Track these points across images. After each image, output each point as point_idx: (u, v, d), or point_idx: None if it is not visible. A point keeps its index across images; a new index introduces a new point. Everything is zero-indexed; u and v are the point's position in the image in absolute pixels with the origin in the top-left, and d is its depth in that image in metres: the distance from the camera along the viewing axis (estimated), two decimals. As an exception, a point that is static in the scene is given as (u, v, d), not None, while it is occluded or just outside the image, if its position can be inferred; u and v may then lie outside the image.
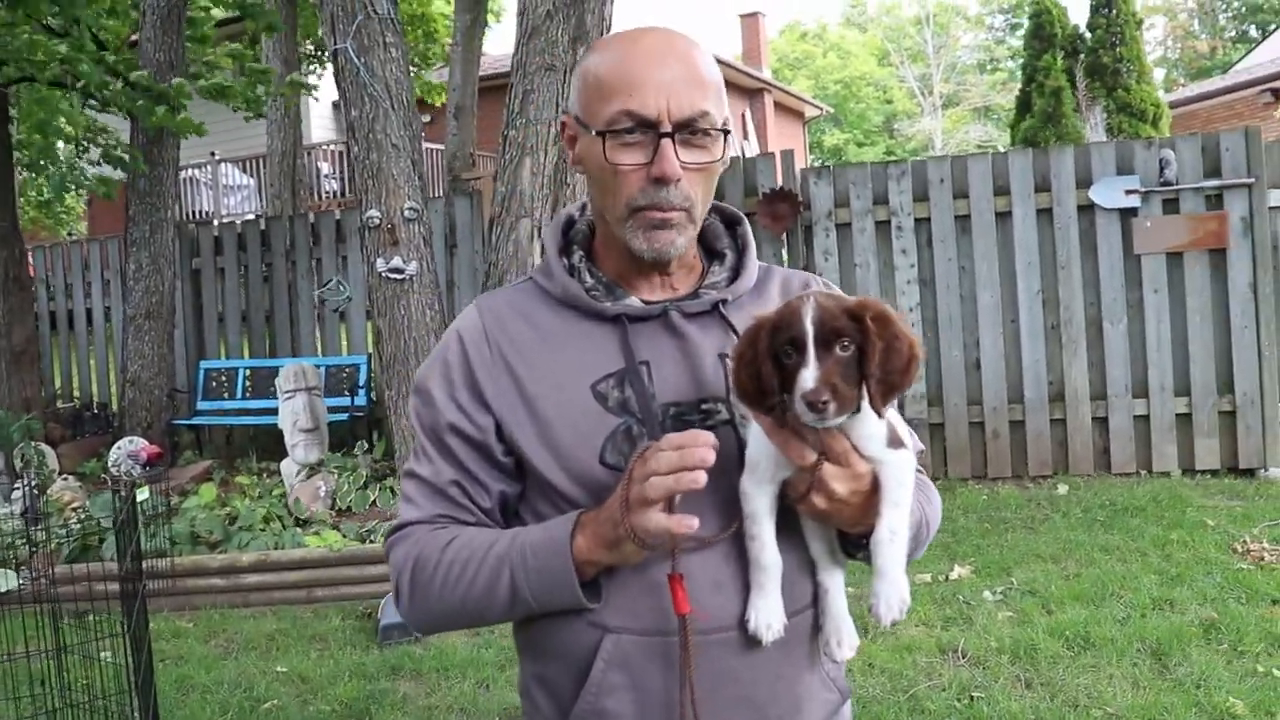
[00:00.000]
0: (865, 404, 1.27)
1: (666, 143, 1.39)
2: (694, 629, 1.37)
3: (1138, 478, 7.35)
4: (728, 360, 1.46)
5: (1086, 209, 7.50)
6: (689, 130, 1.41)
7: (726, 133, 1.45)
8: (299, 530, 6.37)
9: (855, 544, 1.44)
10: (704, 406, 1.45)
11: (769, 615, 1.39)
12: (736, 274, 1.57)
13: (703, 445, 1.25)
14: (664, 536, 1.29)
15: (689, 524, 1.27)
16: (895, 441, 1.34)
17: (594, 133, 1.44)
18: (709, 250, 1.61)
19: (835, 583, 1.49)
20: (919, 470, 1.46)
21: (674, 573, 1.36)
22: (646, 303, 1.50)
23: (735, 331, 1.47)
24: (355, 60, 6.84)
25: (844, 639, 1.49)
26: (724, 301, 1.51)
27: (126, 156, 9.18)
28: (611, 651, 1.41)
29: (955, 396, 7.65)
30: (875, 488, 1.33)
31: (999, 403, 7.61)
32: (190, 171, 18.53)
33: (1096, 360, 7.53)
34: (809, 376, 1.23)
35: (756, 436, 1.36)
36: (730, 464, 1.41)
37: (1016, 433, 7.62)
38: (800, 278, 1.64)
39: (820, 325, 1.24)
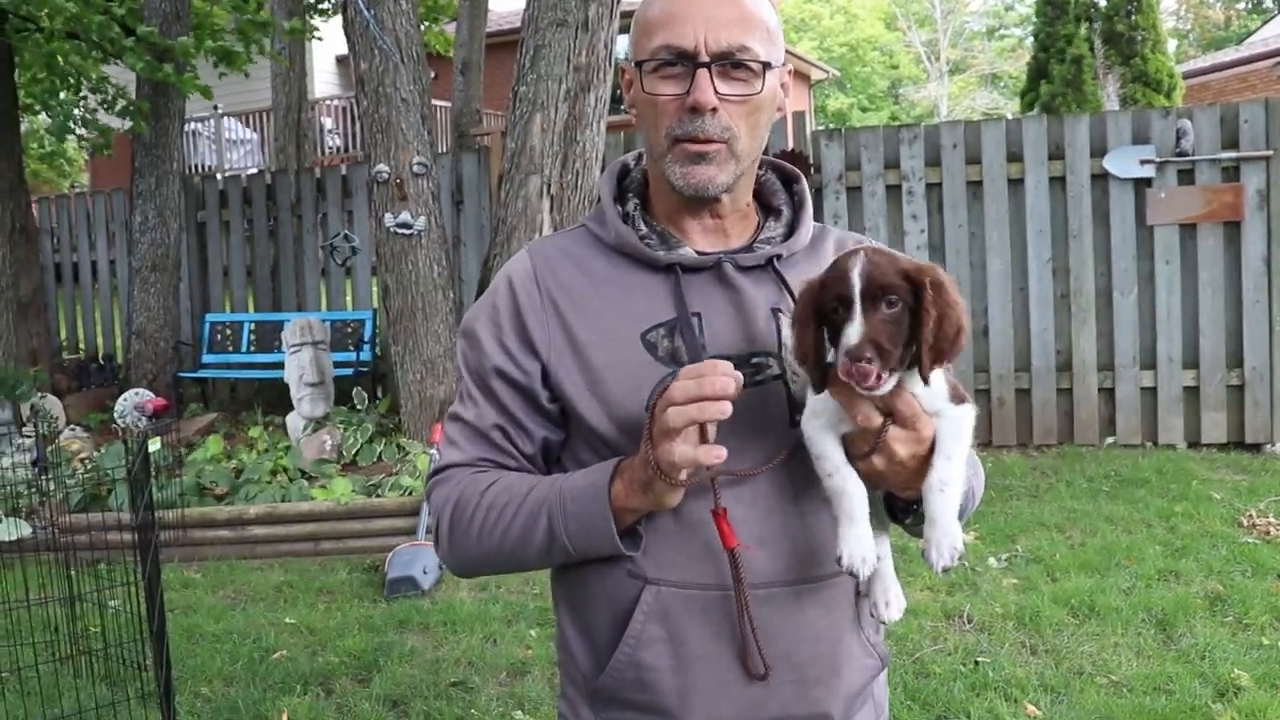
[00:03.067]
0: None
1: (702, 72, 1.39)
2: (742, 574, 1.36)
3: (1143, 449, 7.36)
4: (780, 315, 1.46)
5: (1100, 178, 7.46)
6: (728, 62, 1.41)
7: (768, 67, 1.43)
8: (306, 483, 6.39)
9: (903, 511, 1.43)
10: (754, 360, 1.43)
11: (863, 548, 1.33)
12: (792, 230, 1.56)
13: (722, 372, 1.23)
14: (691, 467, 1.27)
15: (717, 453, 1.25)
16: (958, 397, 1.33)
17: (632, 60, 1.46)
18: (765, 206, 1.60)
19: (882, 545, 1.47)
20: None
21: (717, 507, 1.35)
22: (700, 254, 1.49)
23: (788, 287, 1.47)
24: (365, 12, 6.78)
25: (892, 600, 1.48)
26: (778, 257, 1.50)
27: (132, 109, 9.11)
28: (651, 603, 1.41)
29: (962, 363, 7.63)
30: (932, 449, 1.31)
31: (1006, 370, 7.61)
32: (193, 125, 18.40)
33: (1105, 330, 7.52)
34: (853, 333, 1.22)
35: (810, 412, 1.35)
36: (777, 418, 1.41)
37: (1022, 401, 7.62)
38: (854, 239, 1.63)
39: (868, 281, 1.23)
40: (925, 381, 1.25)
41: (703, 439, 1.28)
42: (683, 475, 1.29)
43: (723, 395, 1.23)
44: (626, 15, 4.39)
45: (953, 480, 1.30)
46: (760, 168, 1.60)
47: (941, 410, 1.31)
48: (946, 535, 1.30)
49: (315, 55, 19.82)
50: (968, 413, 1.33)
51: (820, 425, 1.34)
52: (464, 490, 1.48)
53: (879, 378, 1.22)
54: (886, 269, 1.24)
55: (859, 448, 1.32)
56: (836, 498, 1.35)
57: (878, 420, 1.29)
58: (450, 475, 1.52)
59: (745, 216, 1.56)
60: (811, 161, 7.80)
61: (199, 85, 8.76)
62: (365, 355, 8.61)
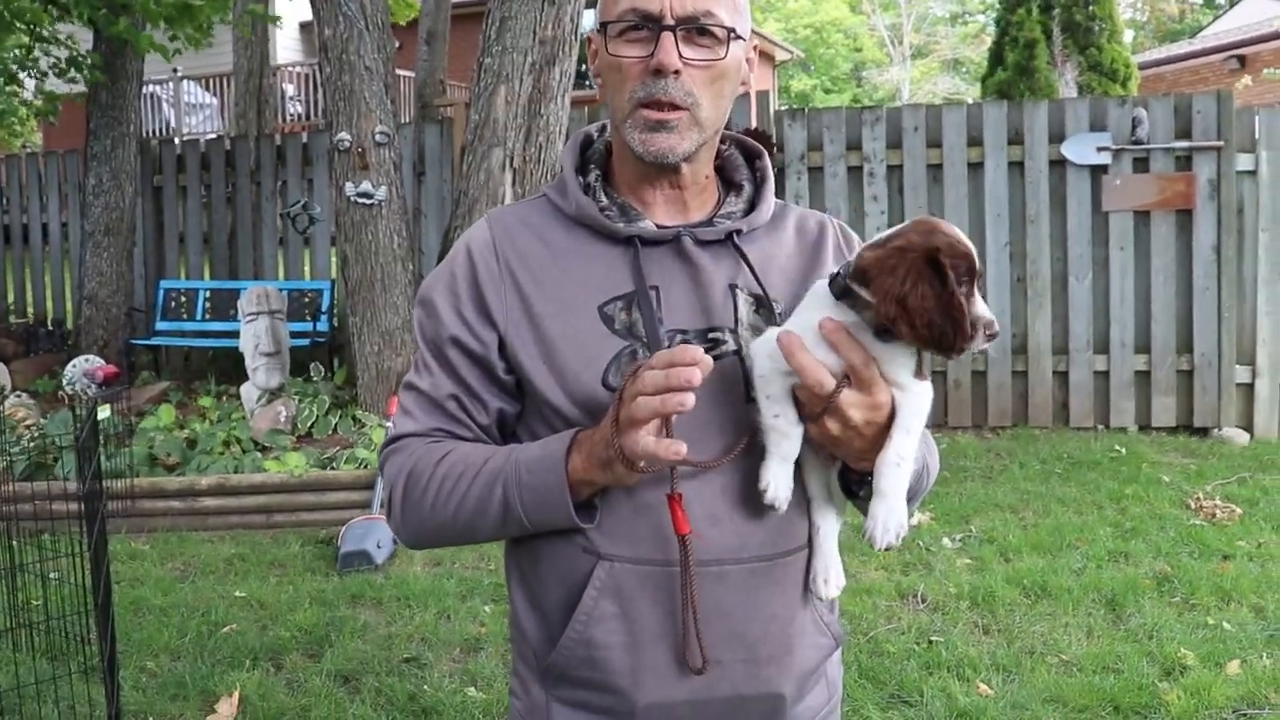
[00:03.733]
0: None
1: (666, 35, 1.38)
2: (691, 560, 1.35)
3: (1095, 432, 7.42)
4: (738, 290, 1.45)
5: (1058, 164, 7.49)
6: (693, 27, 1.39)
7: (733, 34, 1.41)
8: (259, 455, 6.29)
9: (857, 483, 1.41)
10: (711, 335, 1.42)
11: (786, 487, 1.35)
12: (753, 206, 1.54)
13: (690, 364, 1.21)
14: (652, 459, 1.26)
15: (676, 449, 1.24)
16: (921, 372, 1.32)
17: (598, 27, 1.44)
18: (727, 182, 1.58)
19: (828, 521, 1.47)
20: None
21: (672, 492, 1.34)
22: (660, 227, 1.47)
23: (748, 262, 1.45)
24: (329, -23, 6.64)
25: (831, 577, 1.47)
26: (738, 232, 1.48)
27: (86, 63, 8.88)
28: (604, 579, 1.39)
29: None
30: (890, 420, 1.30)
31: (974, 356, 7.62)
32: (151, 88, 18.07)
33: (1060, 315, 7.56)
34: (986, 309, 1.24)
35: (765, 354, 1.34)
36: (735, 394, 1.40)
37: (978, 383, 7.65)
38: (816, 218, 1.61)
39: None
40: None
41: (666, 424, 1.27)
42: (643, 464, 1.27)
43: (687, 387, 1.21)
44: (592, -15, 4.32)
45: (908, 456, 1.30)
46: (723, 142, 1.58)
47: (904, 383, 1.30)
48: (893, 513, 1.30)
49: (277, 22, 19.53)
50: (927, 390, 1.32)
51: (775, 369, 1.33)
52: (418, 460, 1.45)
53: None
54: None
55: (811, 406, 1.31)
56: (774, 437, 1.35)
57: (832, 384, 1.28)
58: (404, 445, 1.49)
59: (705, 189, 1.53)
60: (774, 141, 7.76)
61: (157, 44, 8.56)
62: (322, 325, 8.50)
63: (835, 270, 1.34)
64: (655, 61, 1.38)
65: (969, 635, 4.28)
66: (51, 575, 4.27)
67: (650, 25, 1.39)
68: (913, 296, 1.21)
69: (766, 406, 1.34)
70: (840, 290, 1.30)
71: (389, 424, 5.44)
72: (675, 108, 1.40)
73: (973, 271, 1.23)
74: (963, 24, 45.63)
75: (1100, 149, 7.38)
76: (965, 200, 7.60)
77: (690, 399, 1.22)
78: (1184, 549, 5.16)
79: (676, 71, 1.38)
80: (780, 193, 7.76)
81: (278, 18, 12.12)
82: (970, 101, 9.24)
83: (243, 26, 12.83)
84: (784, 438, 1.34)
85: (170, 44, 9.10)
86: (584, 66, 1.65)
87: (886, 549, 1.31)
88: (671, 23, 1.38)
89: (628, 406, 1.26)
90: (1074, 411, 7.54)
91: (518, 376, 1.45)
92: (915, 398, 1.30)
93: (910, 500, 1.40)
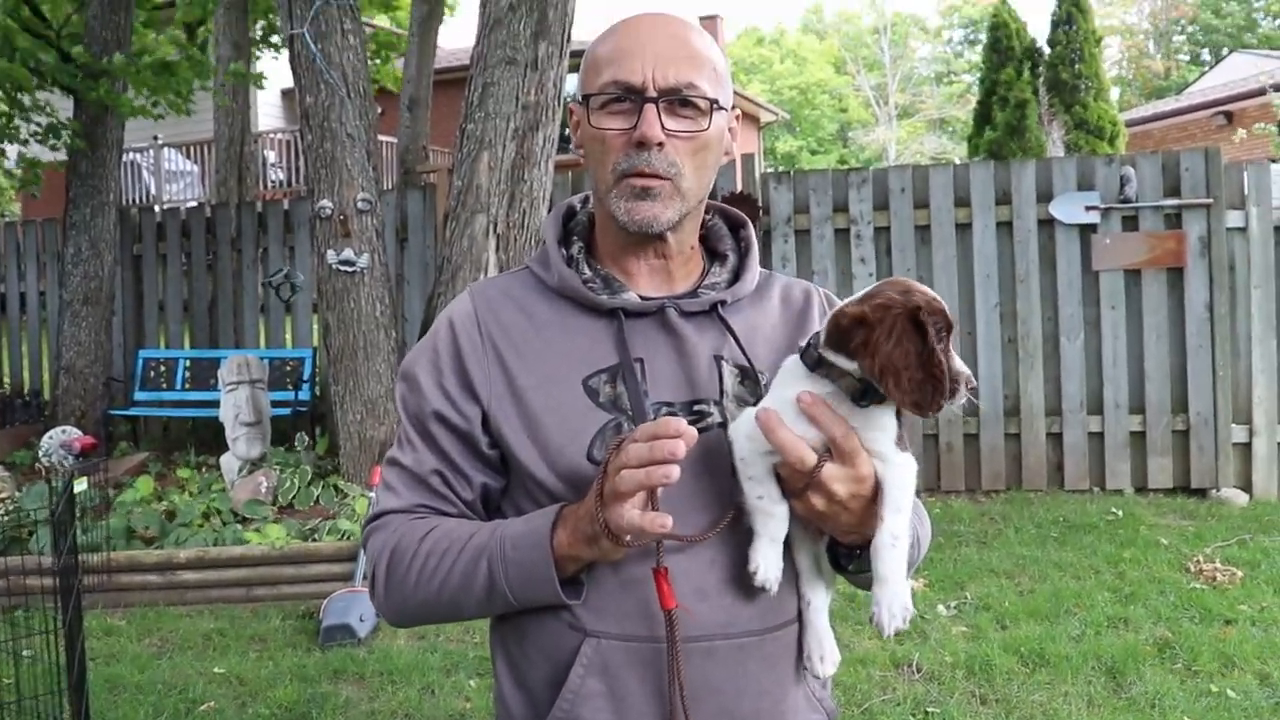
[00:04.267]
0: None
1: (649, 106, 1.40)
2: (677, 635, 1.35)
3: (1091, 495, 7.42)
4: (723, 362, 1.47)
5: (1046, 223, 7.57)
6: (676, 99, 1.42)
7: (715, 105, 1.44)
8: (239, 527, 6.25)
9: (845, 556, 1.42)
10: (696, 407, 1.44)
11: (777, 568, 1.36)
12: (737, 276, 1.57)
13: (673, 436, 1.22)
14: (638, 533, 1.27)
15: (662, 522, 1.25)
16: (902, 442, 1.33)
17: (580, 98, 1.47)
18: (711, 252, 1.60)
19: (819, 597, 1.48)
20: None
21: (658, 566, 1.34)
22: (644, 299, 1.49)
23: (733, 333, 1.48)
24: (312, 46, 6.74)
25: (826, 654, 1.47)
26: (722, 303, 1.51)
27: (66, 131, 8.95)
28: (591, 656, 1.39)
29: (911, 408, 7.66)
30: (876, 493, 1.31)
31: (953, 415, 7.63)
32: (131, 155, 18.19)
33: (1052, 376, 7.60)
34: (963, 364, 1.27)
35: (745, 435, 1.35)
36: (721, 466, 1.40)
37: (970, 446, 7.67)
38: (801, 287, 1.65)
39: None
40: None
41: (651, 498, 1.28)
42: (628, 538, 1.28)
43: (671, 459, 1.22)
44: (576, 55, 4.40)
45: (902, 535, 1.30)
46: (707, 212, 1.60)
47: (886, 455, 1.31)
48: (897, 597, 1.30)
49: (259, 88, 19.73)
50: (911, 462, 1.33)
51: (755, 450, 1.34)
52: (401, 537, 1.46)
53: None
54: None
55: (794, 482, 1.32)
56: (760, 518, 1.36)
57: (813, 459, 1.29)
58: (387, 522, 1.50)
59: (690, 260, 1.56)
60: (760, 204, 7.84)
61: (137, 106, 8.63)
62: (304, 395, 8.49)
63: (805, 342, 1.36)
64: (638, 134, 1.40)
65: (966, 705, 4.26)
66: (25, 653, 4.22)
67: (633, 97, 1.41)
68: (898, 354, 1.23)
69: (750, 488, 1.35)
70: (814, 361, 1.32)
71: (371, 495, 5.41)
72: (659, 177, 1.42)
73: (949, 328, 1.26)
74: (948, 84, 46.35)
75: (1089, 208, 7.47)
76: (954, 261, 7.67)
77: (675, 471, 1.23)
78: (1185, 614, 5.15)
79: (660, 143, 1.41)
80: (767, 255, 7.83)
81: (261, 75, 12.25)
82: (957, 161, 9.37)
83: (219, 97, 12.93)
84: (770, 518, 1.35)
85: (153, 108, 9.19)
86: (567, 131, 1.69)
87: (895, 634, 1.31)
88: (654, 95, 1.41)
89: (612, 480, 1.26)
90: (1069, 474, 7.55)
91: (502, 451, 1.47)
92: (899, 470, 1.31)
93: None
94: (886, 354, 1.23)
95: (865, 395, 1.29)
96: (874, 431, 1.30)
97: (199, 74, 9.49)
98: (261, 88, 13.07)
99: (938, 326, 1.25)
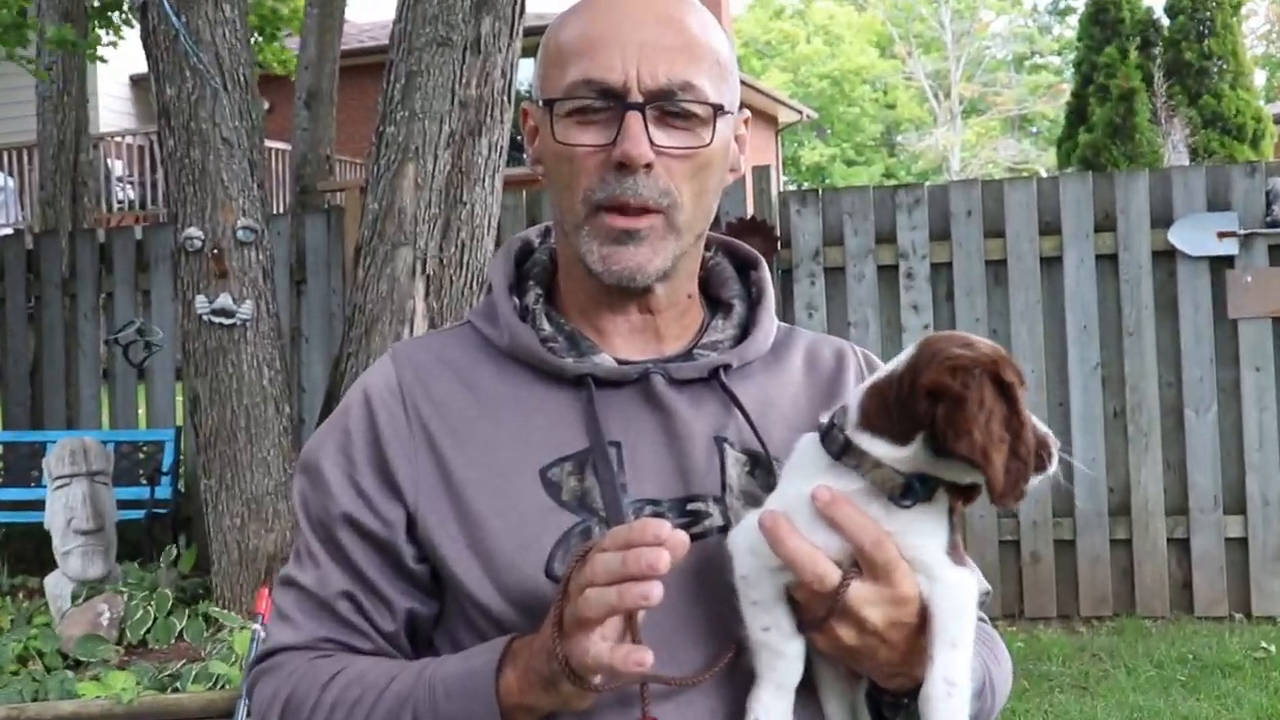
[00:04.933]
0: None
1: (633, 116, 1.41)
2: None
3: (1231, 623, 7.43)
4: (726, 445, 1.47)
5: (1165, 256, 7.63)
6: (667, 103, 1.43)
7: (719, 111, 1.45)
8: (70, 674, 6.21)
9: (891, 706, 1.41)
10: (690, 506, 1.45)
11: (780, 716, 1.34)
12: (746, 332, 1.58)
13: (652, 543, 1.21)
14: (608, 674, 1.26)
15: (639, 659, 1.22)
16: (957, 552, 1.34)
17: (539, 101, 1.47)
18: (713, 300, 1.62)
19: None
20: (984, 619, 1.45)
21: (644, 718, 1.34)
22: (622, 362, 1.50)
23: (740, 407, 1.48)
24: (174, 18, 6.78)
25: None
26: (726, 367, 1.51)
27: None
28: None
29: (981, 505, 7.61)
30: (924, 620, 1.31)
31: (1041, 515, 7.68)
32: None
33: (1175, 461, 7.62)
34: (1043, 425, 1.30)
35: (746, 547, 1.34)
36: (722, 584, 1.39)
37: (1064, 556, 7.68)
38: (832, 345, 1.66)
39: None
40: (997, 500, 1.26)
41: (629, 626, 1.27)
42: (597, 679, 1.27)
43: (650, 574, 1.21)
44: (532, 34, 4.44)
45: (960, 679, 1.29)
46: (708, 248, 1.62)
47: (936, 569, 1.31)
48: None
49: (101, 73, 19.77)
50: (970, 579, 1.33)
51: (761, 566, 1.33)
52: (298, 683, 1.46)
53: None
54: None
55: (814, 608, 1.31)
56: (765, 656, 1.35)
57: (835, 576, 1.28)
58: (280, 663, 1.50)
59: (685, 312, 1.57)
60: (778, 234, 7.90)
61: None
62: (163, 491, 8.47)
63: (828, 419, 1.36)
64: (619, 153, 1.41)
65: None
66: None
67: (611, 103, 1.42)
68: (996, 428, 1.23)
69: (753, 616, 1.34)
70: (839, 448, 1.32)
71: (255, 627, 5.41)
72: (646, 211, 1.43)
73: (1023, 384, 1.30)
74: (1031, 69, 46.67)
75: (1223, 235, 7.50)
76: (1038, 307, 7.73)
77: (656, 591, 1.21)
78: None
79: (648, 165, 1.41)
80: (787, 303, 7.86)
81: (94, 47, 12.10)
82: (1043, 174, 9.45)
83: (38, 72, 12.93)
84: (778, 657, 1.34)
85: None
86: (519, 136, 1.72)
87: None
88: (639, 99, 1.41)
89: (574, 602, 1.26)
90: (1200, 595, 7.56)
91: (433, 566, 1.47)
92: (953, 592, 1.31)
93: None
94: (986, 430, 1.22)
95: (909, 493, 1.29)
96: (918, 539, 1.30)
97: (17, 39, 9.40)
98: (101, 60, 13.00)
99: (1017, 385, 1.28)
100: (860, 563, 1.29)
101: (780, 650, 1.33)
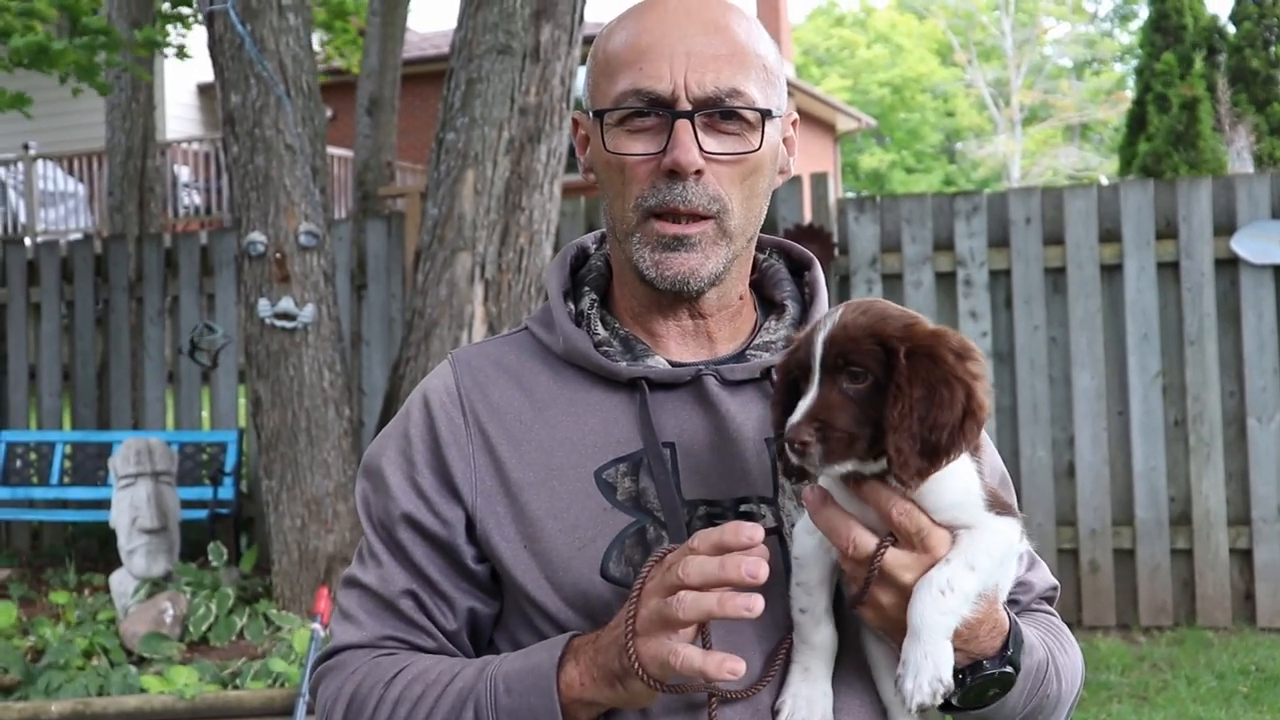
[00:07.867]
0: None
1: (682, 124, 1.43)
2: None
3: (1293, 633, 7.35)
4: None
5: (1228, 264, 7.58)
6: (716, 112, 1.45)
7: (767, 116, 1.47)
8: (134, 670, 6.27)
9: (958, 681, 1.40)
10: (744, 508, 1.46)
11: (810, 706, 1.36)
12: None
13: (746, 544, 1.24)
14: (693, 677, 1.27)
15: (733, 668, 1.24)
16: (999, 506, 1.34)
17: (590, 111, 1.50)
18: (766, 301, 1.63)
19: None
20: (1051, 613, 1.46)
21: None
22: (675, 365, 1.51)
23: (790, 407, 1.48)
24: (239, 27, 6.83)
25: None
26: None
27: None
28: None
29: (1039, 513, 7.65)
30: None
31: (1100, 524, 7.63)
32: (-6, 171, 18.42)
33: (1237, 471, 7.56)
34: (798, 410, 1.28)
35: (803, 527, 1.38)
36: (773, 589, 1.39)
37: (1124, 566, 7.62)
38: None
39: (829, 347, 1.28)
40: (904, 484, 1.27)
41: (701, 634, 1.29)
42: (672, 681, 1.28)
43: (750, 581, 1.23)
44: (592, 41, 4.45)
45: (962, 589, 1.30)
46: (761, 249, 1.63)
47: (971, 523, 1.33)
48: (929, 658, 1.29)
49: (169, 81, 19.92)
50: (1006, 527, 1.34)
51: (813, 546, 1.37)
52: (362, 681, 1.48)
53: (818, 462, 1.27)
54: (858, 333, 1.29)
55: (854, 577, 1.34)
56: (798, 640, 1.38)
57: (869, 544, 1.30)
58: (344, 661, 1.52)
59: (737, 313, 1.59)
60: (835, 240, 7.89)
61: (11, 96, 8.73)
62: (226, 492, 8.54)
63: None
64: (669, 160, 1.43)
65: None
66: None
67: (660, 111, 1.45)
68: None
69: (796, 597, 1.38)
70: None
71: (314, 626, 5.44)
72: (697, 217, 1.45)
73: (804, 368, 1.33)
74: (1093, 75, 46.27)
75: (1287, 243, 7.48)
76: (1098, 315, 7.68)
77: (758, 603, 1.23)
78: None
79: (698, 171, 1.43)
80: (847, 307, 7.82)
81: (182, 48, 12.11)
82: (1104, 181, 9.39)
83: (103, 87, 13.07)
84: (805, 642, 1.38)
85: (60, 71, 9.24)
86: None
87: (919, 711, 1.31)
88: (688, 107, 1.44)
89: (656, 604, 1.27)
90: (1262, 605, 7.48)
91: (492, 566, 1.49)
92: (984, 532, 1.33)
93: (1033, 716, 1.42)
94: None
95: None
96: (937, 505, 1.32)
97: (105, 45, 9.50)
98: (186, 55, 13.02)
99: None
100: (894, 532, 1.31)
101: (808, 635, 1.37)
